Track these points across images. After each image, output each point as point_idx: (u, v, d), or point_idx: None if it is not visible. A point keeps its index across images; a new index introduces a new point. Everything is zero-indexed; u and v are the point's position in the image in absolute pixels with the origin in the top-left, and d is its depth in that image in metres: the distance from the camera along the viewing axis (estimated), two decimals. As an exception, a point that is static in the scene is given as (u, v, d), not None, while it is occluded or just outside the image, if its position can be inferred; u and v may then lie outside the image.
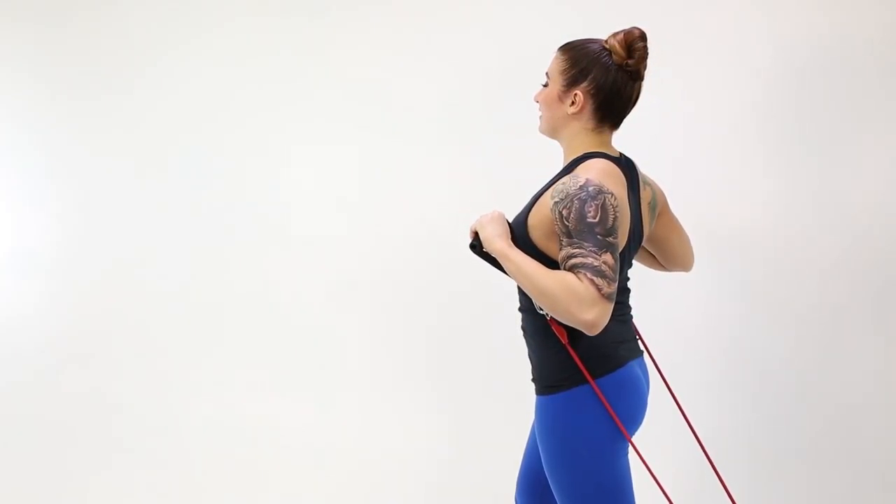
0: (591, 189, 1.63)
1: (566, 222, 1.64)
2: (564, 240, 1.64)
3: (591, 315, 1.58)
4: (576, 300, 1.58)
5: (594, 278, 1.58)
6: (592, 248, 1.60)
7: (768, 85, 2.66)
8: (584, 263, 1.60)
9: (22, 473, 3.07)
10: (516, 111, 2.38)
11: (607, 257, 1.60)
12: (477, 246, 1.78)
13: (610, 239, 1.62)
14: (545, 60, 1.88)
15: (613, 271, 1.61)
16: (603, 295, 1.58)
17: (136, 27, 3.03)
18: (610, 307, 1.60)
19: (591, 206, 1.62)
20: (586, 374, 1.71)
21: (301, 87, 2.95)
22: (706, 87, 2.70)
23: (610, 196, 1.64)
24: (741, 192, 2.70)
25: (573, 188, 1.65)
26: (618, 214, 1.64)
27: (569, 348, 1.72)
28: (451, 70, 2.87)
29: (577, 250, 1.61)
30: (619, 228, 1.66)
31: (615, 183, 1.67)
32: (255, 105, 2.98)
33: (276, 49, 2.96)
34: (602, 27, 1.94)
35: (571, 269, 1.61)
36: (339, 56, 2.93)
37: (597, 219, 1.61)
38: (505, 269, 1.73)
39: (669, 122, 2.70)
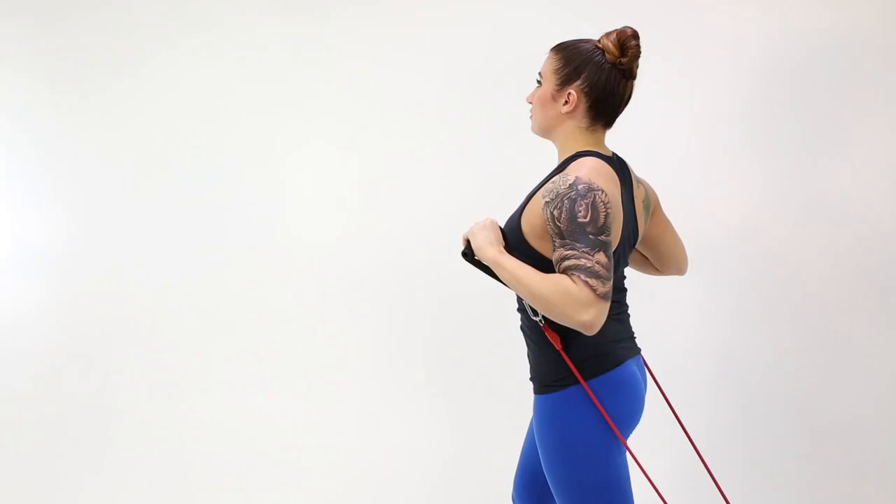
0: (580, 188, 1.63)
1: (558, 223, 1.63)
2: (557, 241, 1.64)
3: (587, 316, 1.57)
4: (572, 302, 1.57)
5: (588, 279, 1.58)
6: (585, 249, 1.60)
7: (766, 83, 2.66)
8: (578, 265, 1.59)
9: (21, 474, 3.07)
10: (515, 111, 2.37)
11: (600, 256, 1.60)
12: (469, 254, 1.77)
13: (602, 237, 1.61)
14: (543, 60, 1.88)
15: (607, 270, 1.60)
16: (598, 295, 1.58)
17: (135, 27, 3.03)
18: (606, 306, 1.59)
19: (582, 205, 1.61)
20: (579, 378, 1.71)
21: (301, 87, 2.95)
22: (704, 85, 2.70)
23: (600, 192, 1.63)
24: (739, 190, 2.69)
25: (563, 187, 1.64)
26: (609, 211, 1.63)
27: (563, 354, 1.71)
28: (450, 70, 2.87)
29: (570, 251, 1.61)
30: (612, 225, 1.65)
31: (606, 180, 1.67)
32: (255, 104, 2.98)
33: (276, 49, 2.96)
34: (601, 27, 1.93)
35: (566, 270, 1.60)
36: (339, 56, 2.93)
37: (588, 218, 1.61)
38: (499, 276, 1.71)
39: (667, 121, 2.69)
